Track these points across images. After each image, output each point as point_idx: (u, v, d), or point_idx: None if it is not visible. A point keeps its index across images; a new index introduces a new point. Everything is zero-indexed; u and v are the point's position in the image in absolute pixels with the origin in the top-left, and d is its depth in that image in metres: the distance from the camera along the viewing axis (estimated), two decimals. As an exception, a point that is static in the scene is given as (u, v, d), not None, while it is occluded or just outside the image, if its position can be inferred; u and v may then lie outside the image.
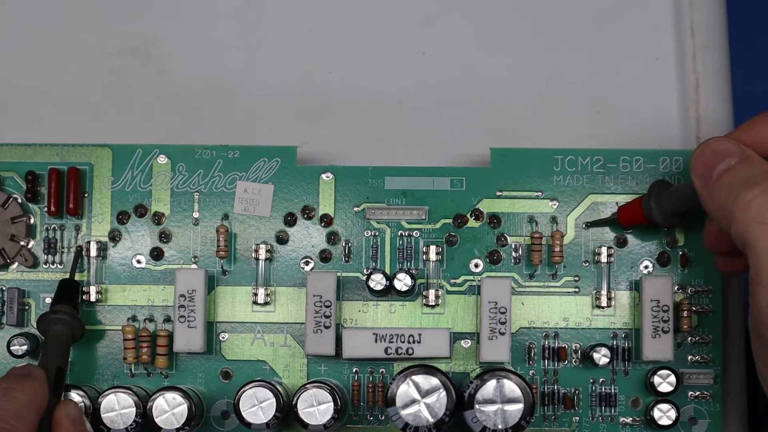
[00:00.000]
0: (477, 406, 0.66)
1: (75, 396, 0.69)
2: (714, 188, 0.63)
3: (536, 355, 0.73)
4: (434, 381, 0.66)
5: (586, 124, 0.78)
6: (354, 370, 0.73)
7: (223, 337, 0.73)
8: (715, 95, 0.78)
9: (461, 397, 0.66)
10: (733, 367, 0.75)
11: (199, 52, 0.78)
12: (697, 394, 0.72)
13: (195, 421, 0.69)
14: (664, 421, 0.71)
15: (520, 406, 0.66)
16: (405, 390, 0.66)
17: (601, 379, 0.73)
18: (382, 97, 0.78)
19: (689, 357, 0.73)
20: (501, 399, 0.66)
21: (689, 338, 0.73)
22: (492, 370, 0.67)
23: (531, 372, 0.73)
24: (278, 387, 0.69)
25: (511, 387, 0.66)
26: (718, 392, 0.73)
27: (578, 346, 0.73)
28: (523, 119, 0.78)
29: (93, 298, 0.73)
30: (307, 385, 0.69)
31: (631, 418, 0.72)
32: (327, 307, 0.71)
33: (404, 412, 0.66)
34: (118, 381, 0.73)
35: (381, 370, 0.73)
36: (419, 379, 0.66)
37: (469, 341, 0.73)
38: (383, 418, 0.73)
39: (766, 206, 0.59)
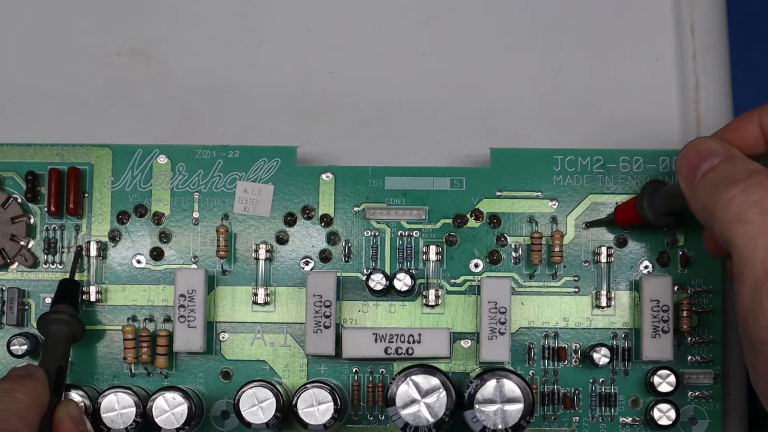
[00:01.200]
0: (477, 406, 0.66)
1: (75, 396, 0.69)
2: (698, 188, 0.63)
3: (536, 355, 0.73)
4: (434, 381, 0.66)
5: (586, 124, 0.78)
6: (354, 370, 0.73)
7: (223, 337, 0.73)
8: (715, 95, 0.78)
9: (461, 396, 0.66)
10: (733, 367, 0.75)
11: (199, 52, 0.78)
12: (696, 394, 0.72)
13: (195, 420, 0.69)
14: (664, 421, 0.71)
15: (520, 406, 0.66)
16: (405, 390, 0.66)
17: (601, 379, 0.73)
18: (382, 97, 0.78)
19: (689, 357, 0.73)
20: (501, 399, 0.66)
21: (689, 338, 0.73)
22: (492, 369, 0.67)
23: (531, 372, 0.72)
24: (278, 387, 0.69)
25: (511, 387, 0.66)
26: (718, 392, 0.73)
27: (578, 346, 0.73)
28: (523, 119, 0.78)
29: (93, 298, 0.73)
30: (307, 385, 0.69)
31: (631, 418, 0.72)
32: (327, 306, 0.71)
33: (404, 412, 0.66)
34: (118, 381, 0.73)
35: (381, 370, 0.73)
36: (419, 379, 0.66)
37: (469, 341, 0.73)
38: (383, 418, 0.72)
39: (747, 204, 0.59)
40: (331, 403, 0.68)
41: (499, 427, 0.66)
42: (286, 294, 0.73)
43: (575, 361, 0.73)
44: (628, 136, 0.77)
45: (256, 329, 0.73)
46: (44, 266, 0.74)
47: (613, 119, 0.78)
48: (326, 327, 0.71)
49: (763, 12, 1.05)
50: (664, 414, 0.71)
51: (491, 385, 0.66)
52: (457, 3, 0.79)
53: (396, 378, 0.66)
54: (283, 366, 0.73)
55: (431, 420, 0.65)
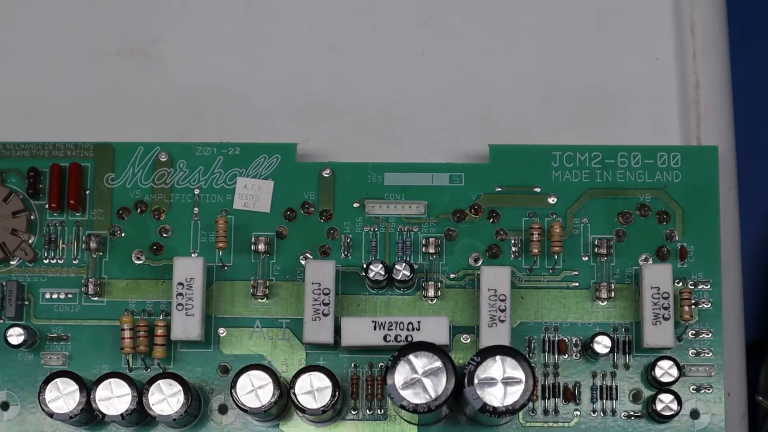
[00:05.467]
0: (478, 384, 0.65)
1: (69, 386, 0.68)
2: None
3: (536, 348, 0.72)
4: (434, 359, 0.65)
5: (586, 123, 0.78)
6: (353, 364, 0.72)
7: (222, 332, 0.73)
8: (715, 95, 0.78)
9: (462, 374, 0.65)
10: (733, 365, 0.75)
11: (200, 51, 0.79)
12: (698, 387, 0.72)
13: (191, 408, 0.69)
14: (667, 412, 0.70)
15: (521, 384, 0.65)
16: (404, 368, 0.65)
17: (602, 372, 0.72)
18: (382, 96, 0.78)
19: (690, 350, 0.72)
20: (502, 377, 0.65)
21: (689, 331, 0.72)
22: (493, 348, 0.66)
23: (532, 365, 0.72)
24: (275, 370, 0.69)
25: (513, 365, 0.65)
26: (720, 387, 0.72)
27: (578, 339, 0.72)
28: (522, 119, 0.78)
29: (92, 293, 0.73)
30: (304, 370, 0.68)
31: (632, 411, 0.72)
32: (326, 294, 0.71)
33: (404, 391, 0.65)
34: (116, 374, 0.73)
35: (380, 364, 0.72)
36: (419, 356, 0.65)
37: (468, 337, 0.73)
38: (382, 412, 0.72)
39: None
40: (330, 387, 0.67)
41: (500, 404, 0.65)
42: (285, 288, 0.73)
43: (575, 355, 0.72)
44: (628, 136, 0.77)
45: (254, 323, 0.73)
46: (45, 261, 0.74)
47: (613, 119, 0.78)
48: (325, 315, 0.70)
49: (763, 12, 1.06)
50: (667, 404, 0.71)
51: (492, 363, 0.65)
52: (457, 3, 0.79)
53: (395, 355, 0.65)
54: (281, 360, 0.73)
55: (431, 397, 0.65)
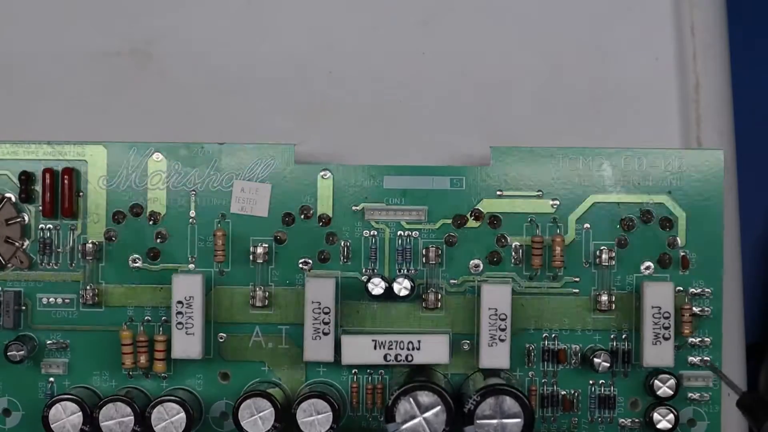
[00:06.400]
0: (477, 422, 0.65)
1: (72, 409, 0.68)
2: None
3: (535, 356, 0.72)
4: (434, 397, 0.66)
5: (586, 123, 0.77)
6: (353, 371, 0.72)
7: (221, 338, 0.73)
8: (715, 95, 0.78)
9: (461, 412, 0.66)
10: (732, 369, 0.75)
11: (199, 51, 0.78)
12: (696, 396, 0.72)
13: (194, 428, 0.69)
14: (663, 425, 0.71)
15: (519, 421, 0.66)
16: (405, 406, 0.66)
17: (600, 381, 0.72)
18: (381, 96, 0.77)
19: (689, 359, 0.72)
20: (500, 414, 0.66)
21: (689, 340, 0.72)
22: (492, 386, 0.66)
23: (530, 374, 0.72)
24: (277, 397, 0.68)
25: (511, 402, 0.66)
26: (717, 394, 0.73)
27: (578, 348, 0.72)
28: (523, 119, 0.77)
29: (89, 300, 0.72)
30: (306, 395, 0.68)
31: (630, 420, 0.72)
32: (326, 313, 0.70)
33: (404, 428, 0.65)
34: (116, 383, 0.72)
35: (380, 371, 0.72)
36: (419, 395, 0.66)
37: (468, 342, 0.72)
38: (382, 419, 0.72)
39: None
40: (330, 413, 0.68)
41: (500, 443, 0.66)
42: (284, 295, 0.73)
43: (574, 363, 0.72)
44: (629, 136, 0.77)
45: (254, 330, 0.73)
46: (40, 267, 0.73)
47: (613, 119, 0.78)
48: (325, 334, 0.70)
49: (763, 12, 1.05)
50: (664, 418, 0.71)
51: (491, 400, 0.66)
52: (457, 3, 0.78)
53: (395, 394, 0.66)
54: (282, 366, 0.72)
55: (430, 437, 0.65)
